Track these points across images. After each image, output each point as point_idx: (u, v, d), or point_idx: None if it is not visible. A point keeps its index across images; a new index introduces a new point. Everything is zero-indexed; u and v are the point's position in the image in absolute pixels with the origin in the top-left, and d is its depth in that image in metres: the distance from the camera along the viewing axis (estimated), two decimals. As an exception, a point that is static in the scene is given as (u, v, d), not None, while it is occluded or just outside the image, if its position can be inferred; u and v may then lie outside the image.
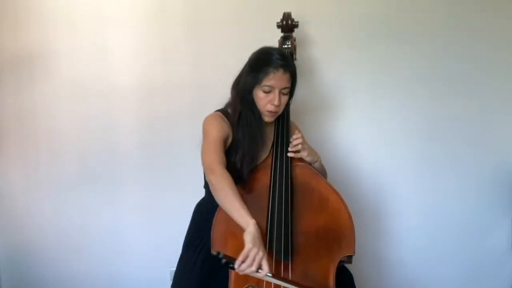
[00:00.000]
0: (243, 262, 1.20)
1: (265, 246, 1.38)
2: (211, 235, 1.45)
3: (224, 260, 1.19)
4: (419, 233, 2.22)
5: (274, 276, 1.25)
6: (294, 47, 1.82)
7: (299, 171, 1.52)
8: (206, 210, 1.56)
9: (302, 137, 1.62)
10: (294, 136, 1.54)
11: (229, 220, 1.42)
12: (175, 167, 2.17)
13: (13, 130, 2.24)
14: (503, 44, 2.10)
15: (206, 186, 1.68)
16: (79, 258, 2.27)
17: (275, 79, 1.48)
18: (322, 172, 1.61)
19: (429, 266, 2.23)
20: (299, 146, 1.52)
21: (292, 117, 1.70)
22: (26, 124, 2.24)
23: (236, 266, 1.20)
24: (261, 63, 1.50)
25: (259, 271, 1.22)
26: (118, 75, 2.18)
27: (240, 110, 1.54)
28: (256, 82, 1.50)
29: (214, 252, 1.18)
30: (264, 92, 1.50)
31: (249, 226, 1.27)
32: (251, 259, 1.20)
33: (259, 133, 1.55)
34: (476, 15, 2.10)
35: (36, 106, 2.22)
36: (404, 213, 2.22)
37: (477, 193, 2.18)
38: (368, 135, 2.18)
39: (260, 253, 1.22)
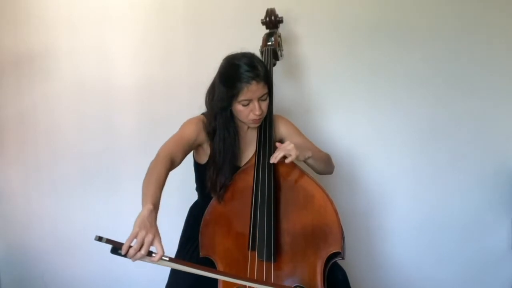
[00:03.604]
0: (131, 246, 1.12)
1: (248, 248, 1.40)
2: (199, 240, 1.47)
3: (111, 247, 1.12)
4: (419, 233, 2.22)
5: (171, 260, 1.18)
6: (278, 44, 1.82)
7: (283, 169, 1.51)
8: (198, 213, 1.57)
9: (293, 131, 1.65)
10: (281, 146, 1.46)
11: (216, 223, 1.46)
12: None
13: (13, 130, 2.25)
14: (502, 44, 2.10)
15: (198, 189, 1.69)
16: (79, 258, 2.27)
17: (250, 92, 1.44)
18: (319, 164, 1.59)
19: (429, 266, 2.23)
20: (280, 155, 1.43)
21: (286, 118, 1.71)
22: (26, 124, 2.24)
23: (123, 251, 1.12)
24: (231, 79, 1.45)
25: (153, 255, 1.14)
26: (118, 75, 2.18)
27: (214, 127, 1.54)
28: (231, 98, 1.47)
29: (96, 238, 1.08)
30: (243, 105, 1.47)
31: (142, 210, 1.21)
32: (139, 242, 1.12)
33: (233, 149, 1.54)
34: (475, 15, 2.10)
35: (36, 106, 2.23)
36: (403, 213, 2.22)
37: (477, 193, 2.18)
38: (366, 136, 2.18)
39: (150, 236, 1.14)
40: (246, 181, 1.51)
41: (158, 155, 1.42)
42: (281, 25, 1.91)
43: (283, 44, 1.91)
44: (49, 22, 2.17)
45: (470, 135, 2.15)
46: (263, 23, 1.88)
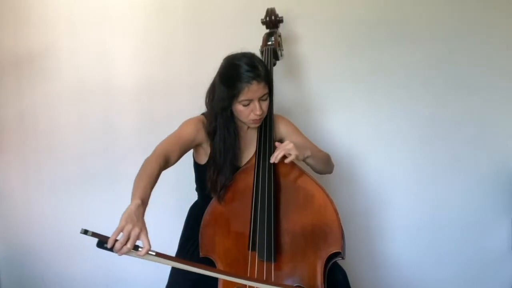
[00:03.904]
0: (117, 240, 1.12)
1: (248, 248, 1.40)
2: (199, 240, 1.47)
3: (97, 240, 1.12)
4: (419, 233, 2.22)
5: (158, 254, 1.16)
6: (278, 43, 1.82)
7: (283, 169, 1.50)
8: (198, 213, 1.57)
9: (292, 131, 1.65)
10: (281, 145, 1.46)
11: (216, 224, 1.46)
12: (174, 167, 2.17)
13: (13, 130, 2.25)
14: (502, 44, 2.10)
15: (198, 189, 1.69)
16: (78, 258, 2.27)
17: (251, 92, 1.44)
18: (319, 163, 1.59)
19: (429, 266, 2.23)
20: (280, 155, 1.42)
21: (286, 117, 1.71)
22: (26, 124, 2.24)
23: (109, 245, 1.12)
24: (232, 79, 1.45)
25: (139, 249, 1.13)
26: (118, 75, 2.18)
27: (214, 127, 1.53)
28: (232, 98, 1.46)
29: (81, 231, 1.09)
30: (244, 105, 1.47)
31: (130, 204, 1.21)
32: (125, 236, 1.12)
33: (234, 149, 1.54)
34: (476, 15, 2.10)
35: (36, 106, 2.23)
36: (403, 213, 2.22)
37: (477, 193, 2.18)
38: (366, 136, 2.18)
39: (136, 229, 1.13)
40: (246, 181, 1.51)
41: (153, 152, 1.42)
42: (281, 25, 1.91)
43: (283, 44, 1.91)
44: (49, 22, 2.17)
45: (470, 135, 2.15)
46: (263, 22, 1.88)
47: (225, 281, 1.36)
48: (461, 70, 2.12)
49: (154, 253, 1.15)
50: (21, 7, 2.17)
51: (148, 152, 2.22)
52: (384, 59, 2.13)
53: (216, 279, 1.38)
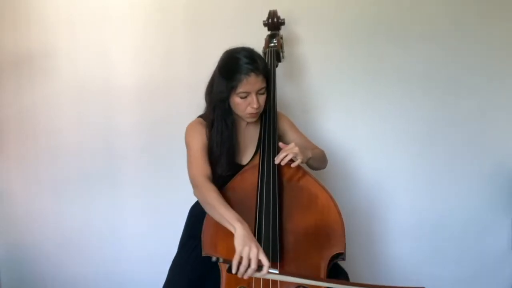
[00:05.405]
0: (240, 264, 1.19)
1: None
2: (202, 239, 1.47)
3: (227, 266, 1.20)
4: (419, 233, 2.22)
5: (281, 272, 1.22)
6: (280, 45, 1.83)
7: (287, 170, 1.51)
8: (199, 213, 1.56)
9: (290, 128, 1.67)
10: (286, 147, 1.46)
11: (219, 223, 1.44)
12: (175, 167, 2.17)
13: (13, 130, 2.25)
14: (502, 44, 2.10)
15: None
16: (79, 258, 2.28)
17: (248, 84, 1.46)
18: (316, 162, 1.61)
19: (428, 266, 2.23)
20: (288, 158, 1.44)
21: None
22: (26, 124, 2.24)
23: (233, 270, 1.19)
24: (230, 71, 1.47)
25: (263, 269, 1.20)
26: (118, 75, 2.18)
27: (212, 119, 1.55)
28: (230, 90, 1.48)
29: (214, 259, 1.18)
30: (241, 98, 1.49)
31: (236, 230, 1.27)
32: (246, 259, 1.20)
33: (231, 141, 1.55)
34: (475, 15, 2.10)
35: (36, 106, 2.23)
36: (403, 214, 2.22)
37: (477, 193, 2.18)
38: (365, 136, 2.18)
39: (254, 250, 1.21)
40: (249, 181, 1.51)
41: (196, 185, 1.46)
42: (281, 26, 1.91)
43: (283, 44, 1.91)
44: (49, 22, 2.17)
45: (469, 135, 2.15)
46: (265, 24, 1.88)
47: (228, 281, 1.36)
48: (461, 70, 2.12)
49: (276, 272, 1.22)
50: (21, 7, 2.17)
51: (148, 152, 2.23)
52: (384, 59, 2.13)
53: (216, 281, 1.38)
